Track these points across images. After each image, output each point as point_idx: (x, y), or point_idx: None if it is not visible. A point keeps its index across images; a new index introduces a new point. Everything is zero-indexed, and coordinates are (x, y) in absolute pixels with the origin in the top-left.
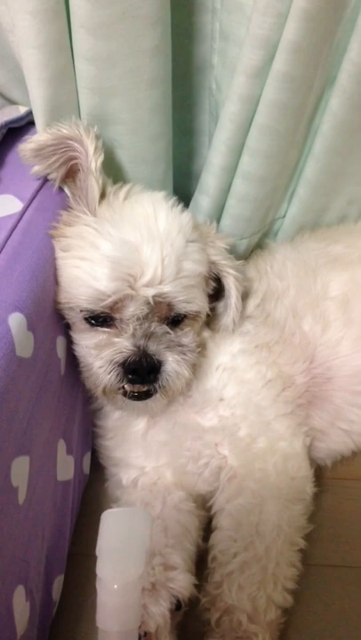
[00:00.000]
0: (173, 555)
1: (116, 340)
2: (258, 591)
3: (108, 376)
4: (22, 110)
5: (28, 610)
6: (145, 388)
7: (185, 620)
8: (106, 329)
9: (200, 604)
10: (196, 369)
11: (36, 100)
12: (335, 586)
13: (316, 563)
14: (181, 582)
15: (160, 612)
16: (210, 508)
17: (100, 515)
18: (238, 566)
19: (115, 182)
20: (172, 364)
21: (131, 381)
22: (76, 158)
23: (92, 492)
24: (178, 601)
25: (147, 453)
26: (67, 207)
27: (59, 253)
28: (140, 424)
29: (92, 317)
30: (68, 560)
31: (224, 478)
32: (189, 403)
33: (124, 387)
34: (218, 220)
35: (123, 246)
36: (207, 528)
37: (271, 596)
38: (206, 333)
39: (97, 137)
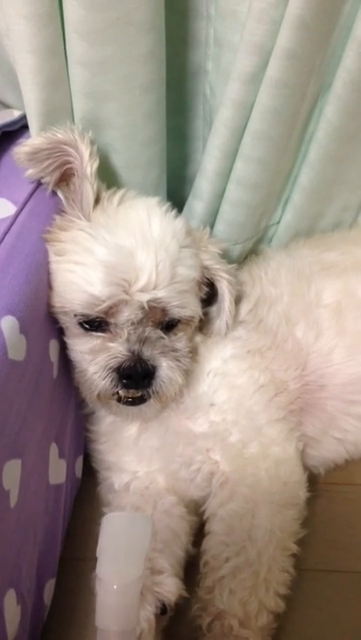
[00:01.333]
0: (161, 559)
1: (111, 344)
2: (249, 596)
3: (103, 382)
4: (16, 114)
5: (19, 614)
6: (139, 394)
7: (176, 625)
8: (100, 334)
9: (192, 609)
10: (188, 374)
11: (31, 103)
12: (328, 591)
13: (309, 567)
14: (168, 586)
15: (145, 616)
16: (202, 513)
17: (91, 519)
18: (230, 571)
19: (108, 187)
20: (166, 370)
21: (125, 386)
22: (70, 163)
23: (84, 495)
24: (163, 605)
25: (139, 458)
26: (60, 211)
27: (53, 257)
28: (132, 429)
29: (87, 322)
30: (59, 564)
31: (216, 484)
32: (181, 408)
33: (118, 392)
34: (212, 226)
35: (117, 251)
36: (199, 533)
37: (263, 601)
38: (198, 338)
39: (92, 142)
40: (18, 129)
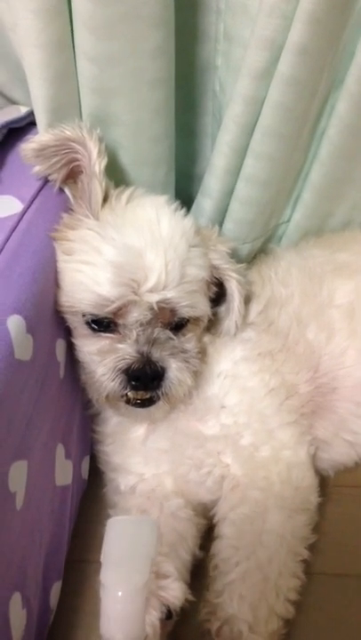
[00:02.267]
0: (166, 563)
1: (120, 346)
2: (259, 601)
3: (112, 383)
4: (23, 110)
5: (25, 617)
6: (148, 395)
7: (185, 629)
8: (108, 334)
9: (200, 613)
10: (197, 376)
11: (38, 99)
12: (337, 595)
13: (318, 571)
14: (173, 591)
15: (150, 621)
16: (210, 516)
17: (98, 520)
18: (240, 575)
19: (116, 184)
20: (175, 372)
21: (134, 388)
22: (77, 160)
23: (90, 497)
24: (168, 610)
25: (146, 460)
26: (67, 209)
27: (61, 256)
28: (139, 430)
29: (95, 322)
30: (65, 566)
31: (227, 487)
32: (190, 410)
33: (127, 394)
34: (221, 224)
35: (126, 251)
36: (207, 537)
37: (273, 607)
38: (206, 339)
39: (100, 140)
40: (25, 125)
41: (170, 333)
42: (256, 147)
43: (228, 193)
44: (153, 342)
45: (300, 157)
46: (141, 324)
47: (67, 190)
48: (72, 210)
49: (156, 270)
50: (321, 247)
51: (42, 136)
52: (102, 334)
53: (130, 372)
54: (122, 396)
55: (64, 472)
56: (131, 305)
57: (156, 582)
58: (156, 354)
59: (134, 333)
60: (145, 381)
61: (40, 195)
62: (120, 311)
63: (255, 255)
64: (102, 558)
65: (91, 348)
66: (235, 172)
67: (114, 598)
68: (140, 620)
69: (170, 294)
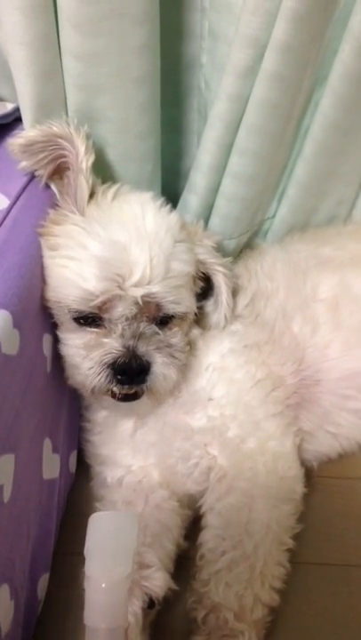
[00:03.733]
0: (149, 553)
1: (105, 340)
2: (245, 589)
3: (98, 377)
4: (9, 107)
5: (13, 608)
6: (133, 390)
7: (171, 618)
8: (94, 329)
9: (187, 602)
10: (185, 369)
11: (24, 96)
12: (322, 584)
13: (303, 560)
14: (156, 581)
15: (132, 610)
16: (197, 507)
17: (85, 514)
18: (226, 564)
19: (102, 181)
20: (161, 367)
21: (120, 382)
22: (64, 156)
23: (78, 491)
24: (151, 599)
25: (134, 452)
26: (54, 204)
27: (46, 252)
28: (128, 423)
29: (81, 317)
30: (53, 558)
31: (214, 478)
32: (179, 403)
33: (112, 389)
34: (206, 220)
35: (111, 246)
36: (194, 527)
37: (258, 595)
38: (196, 331)
39: (87, 136)
40: (11, 122)
41: (155, 328)
42: (241, 144)
43: (214, 189)
44: (139, 337)
45: (285, 154)
46: (127, 319)
47: (53, 186)
48: (58, 206)
49: (141, 265)
50: (305, 242)
51: (29, 131)
52: (88, 329)
53: (116, 366)
54: (107, 391)
55: (51, 466)
56: (116, 299)
57: (139, 572)
58: (142, 348)
59: (120, 328)
60: (131, 375)
61: (26, 190)
62: (105, 306)
63: (241, 250)
64: (86, 552)
65: (77, 342)
66: (220, 168)
67: (97, 589)
68: (122, 610)
69: (155, 289)
